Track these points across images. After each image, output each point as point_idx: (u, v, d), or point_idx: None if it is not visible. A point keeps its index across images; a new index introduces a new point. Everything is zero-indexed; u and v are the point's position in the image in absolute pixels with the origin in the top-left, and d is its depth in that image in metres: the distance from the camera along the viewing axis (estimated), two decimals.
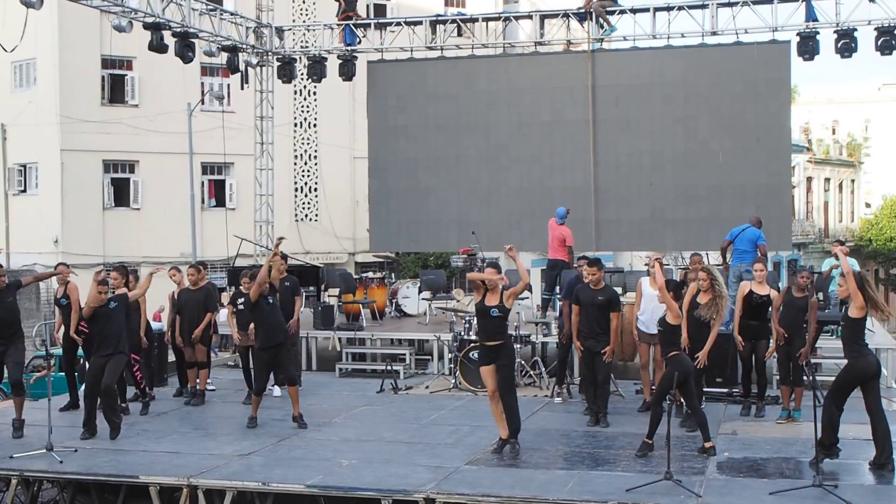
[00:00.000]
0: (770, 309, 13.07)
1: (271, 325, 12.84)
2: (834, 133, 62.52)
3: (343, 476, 10.67)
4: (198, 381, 14.72)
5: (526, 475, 10.62)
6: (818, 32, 19.26)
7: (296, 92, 35.22)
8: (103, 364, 12.24)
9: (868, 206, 62.09)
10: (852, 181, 59.86)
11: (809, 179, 54.53)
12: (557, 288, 17.61)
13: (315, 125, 36.67)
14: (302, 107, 36.39)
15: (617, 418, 13.36)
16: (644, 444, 11.29)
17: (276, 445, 12.10)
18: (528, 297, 19.33)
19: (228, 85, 32.84)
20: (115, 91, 33.80)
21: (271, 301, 12.89)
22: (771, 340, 13.14)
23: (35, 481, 11.62)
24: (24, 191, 34.37)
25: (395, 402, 14.86)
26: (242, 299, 13.88)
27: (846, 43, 18.72)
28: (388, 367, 16.05)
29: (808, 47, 19.05)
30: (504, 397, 11.36)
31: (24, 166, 34.23)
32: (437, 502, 9.96)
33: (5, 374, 12.82)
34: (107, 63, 33.41)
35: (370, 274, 20.94)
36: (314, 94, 35.92)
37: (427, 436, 12.55)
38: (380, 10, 36.23)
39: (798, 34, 19.31)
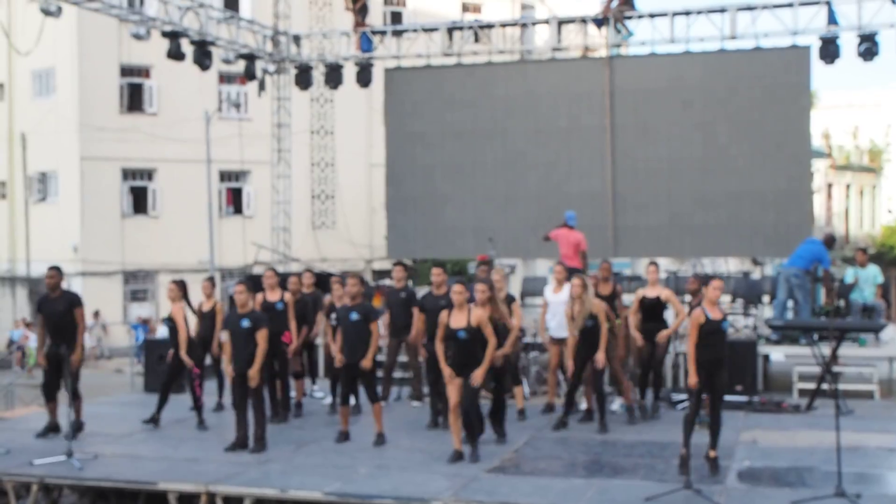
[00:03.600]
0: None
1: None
2: (855, 138, 62.12)
3: (361, 483, 10.62)
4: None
5: (544, 483, 10.55)
6: (839, 36, 19.08)
7: (313, 99, 35.29)
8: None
9: (890, 212, 61.69)
10: (873, 187, 59.41)
11: (830, 185, 54.21)
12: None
13: (332, 132, 36.75)
14: (319, 114, 36.47)
15: (637, 427, 13.31)
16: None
17: (294, 452, 12.07)
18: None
19: (245, 93, 33.02)
20: (134, 99, 34.02)
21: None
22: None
23: (55, 488, 11.61)
24: (44, 199, 34.62)
25: (412, 410, 14.81)
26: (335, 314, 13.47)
27: (868, 47, 18.51)
28: (406, 375, 15.97)
29: (829, 51, 18.86)
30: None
31: (44, 174, 34.49)
32: None
33: None
34: (125, 71, 33.64)
35: (387, 281, 20.84)
36: (331, 101, 35.99)
37: (445, 443, 12.36)
38: (396, 17, 36.30)
39: (819, 38, 19.11)
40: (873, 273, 17.54)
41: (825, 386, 14.49)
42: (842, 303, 17.03)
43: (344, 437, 12.54)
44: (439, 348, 11.47)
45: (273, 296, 13.87)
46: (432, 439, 12.72)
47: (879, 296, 17.29)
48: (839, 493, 9.53)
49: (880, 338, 16.81)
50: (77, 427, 12.84)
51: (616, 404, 14.16)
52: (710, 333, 10.59)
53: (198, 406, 13.60)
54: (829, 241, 16.35)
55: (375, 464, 11.45)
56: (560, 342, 13.68)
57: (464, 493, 10.17)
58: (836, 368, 15.27)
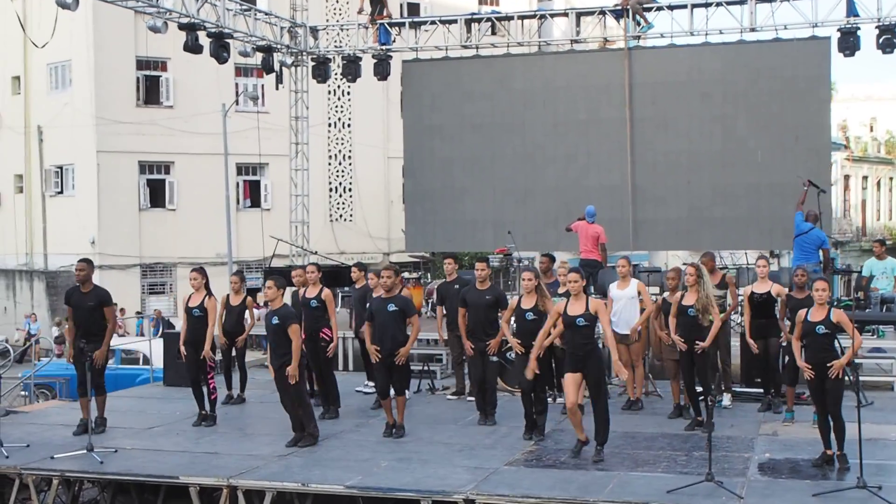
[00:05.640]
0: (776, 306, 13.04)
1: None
2: (872, 130, 61.87)
3: (382, 477, 10.60)
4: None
5: (565, 476, 10.52)
6: (859, 28, 18.98)
7: (330, 92, 35.26)
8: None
9: None
10: (890, 179, 59.20)
11: (847, 177, 54.00)
12: (592, 288, 17.50)
13: (349, 125, 36.73)
14: (336, 107, 36.45)
15: (656, 419, 13.26)
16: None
17: (314, 446, 12.06)
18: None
19: (262, 85, 32.95)
20: (150, 92, 34.03)
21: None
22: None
23: (76, 481, 11.65)
24: (61, 192, 34.69)
25: (432, 403, 14.83)
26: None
27: (888, 38, 18.42)
28: (425, 368, 15.97)
29: (849, 43, 18.77)
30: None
31: (61, 168, 34.56)
32: (477, 503, 9.89)
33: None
34: (141, 64, 33.66)
35: (406, 274, 20.85)
36: (348, 94, 35.96)
37: (465, 436, 12.46)
38: (413, 9, 36.22)
39: (838, 30, 19.01)
40: (891, 265, 17.49)
41: (845, 378, 14.41)
42: (860, 295, 16.97)
43: (391, 427, 12.49)
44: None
45: (312, 291, 13.70)
46: (453, 432, 12.71)
47: None
48: (861, 485, 9.48)
49: None
50: (100, 423, 12.88)
51: (726, 399, 13.80)
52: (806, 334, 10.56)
53: (211, 400, 13.42)
54: (816, 219, 16.24)
55: (396, 457, 11.44)
56: (623, 338, 13.42)
57: (485, 486, 10.15)
58: (856, 360, 15.18)
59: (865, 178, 56.41)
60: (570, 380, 11.00)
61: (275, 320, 11.71)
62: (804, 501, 9.42)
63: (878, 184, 57.76)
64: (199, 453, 11.82)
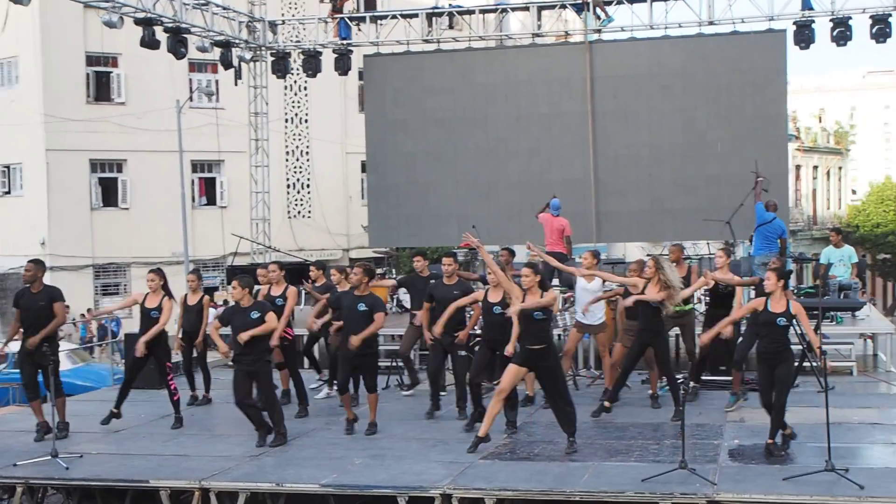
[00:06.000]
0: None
1: None
2: (821, 121, 62.66)
3: (357, 474, 10.53)
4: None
5: (540, 468, 10.54)
6: (814, 21, 19.24)
7: (286, 87, 34.94)
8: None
9: (854, 192, 62.37)
10: (839, 168, 60.04)
11: (798, 167, 54.64)
12: (557, 280, 17.53)
13: (307, 121, 36.46)
14: (293, 102, 36.18)
15: (627, 409, 13.32)
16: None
17: (285, 445, 11.94)
18: None
19: (217, 81, 32.61)
20: (101, 89, 33.49)
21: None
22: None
23: (39, 488, 11.40)
24: (9, 192, 34.01)
25: (402, 399, 14.74)
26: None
27: (841, 31, 18.76)
28: (394, 363, 15.89)
29: (804, 36, 19.08)
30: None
31: (8, 167, 33.86)
32: (454, 498, 9.85)
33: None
34: (91, 60, 33.09)
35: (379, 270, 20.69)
36: (305, 89, 35.69)
37: (438, 431, 12.43)
38: (370, 3, 35.93)
39: (794, 23, 19.26)
40: (848, 253, 17.82)
41: (806, 364, 14.58)
42: (818, 282, 17.20)
43: (351, 423, 12.45)
44: None
45: (277, 290, 13.61)
46: (425, 427, 12.67)
47: (854, 275, 17.54)
48: (829, 468, 9.65)
49: (856, 315, 17.05)
50: (63, 427, 12.54)
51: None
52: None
53: (174, 401, 13.14)
54: (776, 208, 16.39)
55: (370, 454, 11.37)
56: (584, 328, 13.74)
57: (462, 480, 10.13)
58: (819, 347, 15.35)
59: (816, 167, 57.14)
60: (514, 370, 11.10)
61: (254, 315, 11.65)
62: (775, 486, 9.57)
63: (828, 173, 58.52)
64: (168, 456, 11.64)
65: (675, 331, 14.01)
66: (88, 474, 11.04)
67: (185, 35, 19.56)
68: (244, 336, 11.44)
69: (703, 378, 14.26)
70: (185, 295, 14.42)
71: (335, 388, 13.40)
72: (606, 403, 12.87)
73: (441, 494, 9.86)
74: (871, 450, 11.08)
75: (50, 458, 11.26)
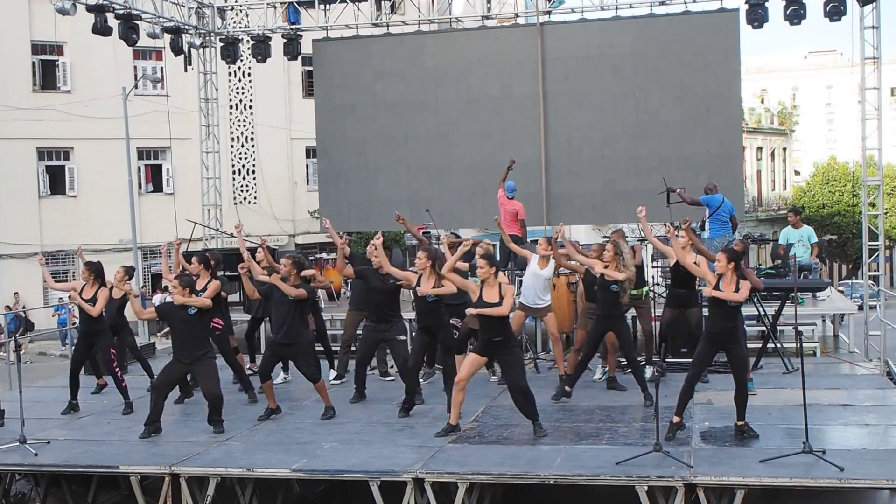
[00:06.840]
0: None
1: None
2: (763, 102, 63.32)
3: (327, 459, 10.54)
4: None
5: (512, 451, 10.57)
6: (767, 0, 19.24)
7: (231, 73, 34.64)
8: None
9: (797, 173, 63.11)
10: (784, 149, 60.70)
11: (743, 148, 55.09)
12: (511, 263, 17.60)
13: (251, 107, 36.16)
14: (237, 88, 35.85)
15: (590, 392, 13.39)
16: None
17: (252, 430, 11.92)
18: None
19: (162, 68, 32.28)
20: (47, 77, 33.12)
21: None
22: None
23: (7, 475, 11.27)
24: None
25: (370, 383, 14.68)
26: None
27: (795, 10, 18.54)
28: (353, 348, 15.81)
29: (757, 15, 18.87)
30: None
31: None
32: (427, 482, 9.87)
33: None
34: (37, 49, 32.76)
35: (324, 255, 20.61)
36: (249, 75, 35.41)
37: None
38: None
39: (746, 2, 19.15)
40: (807, 233, 17.91)
41: (770, 345, 14.76)
42: (779, 263, 17.36)
43: (271, 412, 12.54)
44: None
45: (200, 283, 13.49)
46: (390, 412, 12.64)
47: (815, 255, 17.64)
48: (806, 450, 9.67)
49: (818, 296, 17.20)
50: None
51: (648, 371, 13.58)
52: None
53: (122, 388, 13.35)
54: (715, 188, 16.55)
55: (337, 438, 11.38)
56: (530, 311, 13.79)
57: (433, 464, 10.15)
58: (782, 327, 15.57)
59: (760, 149, 57.69)
60: (473, 358, 11.12)
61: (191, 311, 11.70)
62: (752, 468, 9.57)
63: (773, 154, 59.13)
64: (135, 441, 11.58)
65: (632, 312, 14.11)
66: (58, 460, 10.97)
67: (136, 21, 19.30)
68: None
69: (667, 360, 14.40)
70: (111, 286, 14.27)
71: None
72: (567, 388, 12.92)
73: (413, 479, 9.88)
74: (845, 431, 11.08)
75: (18, 444, 11.16)
